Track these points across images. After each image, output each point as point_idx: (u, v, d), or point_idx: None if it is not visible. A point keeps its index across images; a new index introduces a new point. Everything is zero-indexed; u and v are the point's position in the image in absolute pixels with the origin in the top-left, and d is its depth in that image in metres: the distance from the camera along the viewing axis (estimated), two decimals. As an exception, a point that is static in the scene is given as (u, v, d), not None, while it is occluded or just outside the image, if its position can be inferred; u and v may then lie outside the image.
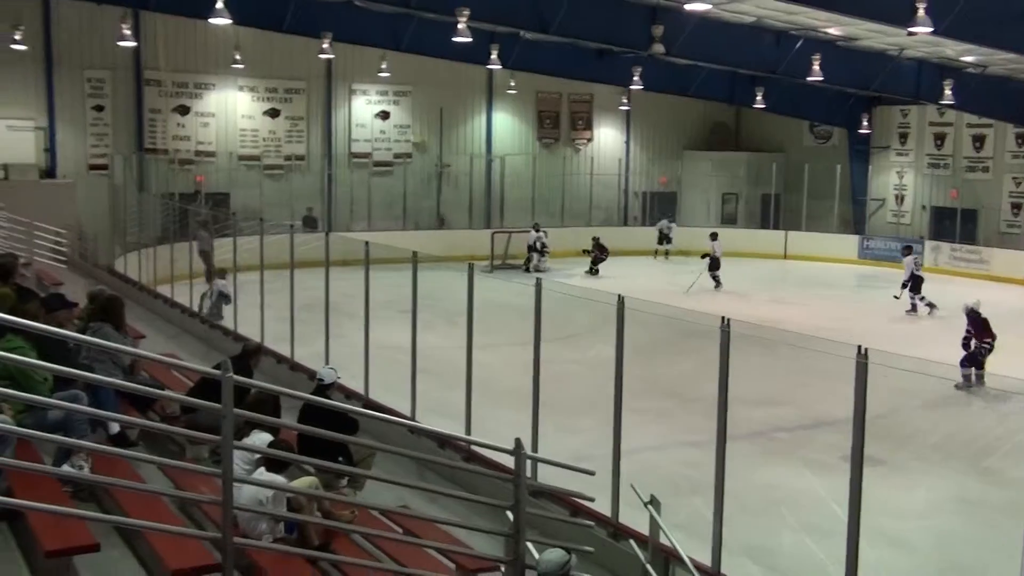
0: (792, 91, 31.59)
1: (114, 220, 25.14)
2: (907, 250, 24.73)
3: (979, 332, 16.20)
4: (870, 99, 33.91)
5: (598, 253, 29.78)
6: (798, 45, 26.84)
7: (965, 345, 16.25)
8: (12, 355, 6.45)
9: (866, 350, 7.18)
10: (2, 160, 26.23)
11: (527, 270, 29.05)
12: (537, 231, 30.63)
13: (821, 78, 25.92)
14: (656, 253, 33.53)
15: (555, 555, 6.33)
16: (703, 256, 27.86)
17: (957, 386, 15.80)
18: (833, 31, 26.25)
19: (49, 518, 5.83)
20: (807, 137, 38.27)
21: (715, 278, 27.10)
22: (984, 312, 16.60)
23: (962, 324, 16.71)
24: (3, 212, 19.59)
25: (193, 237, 20.59)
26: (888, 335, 18.46)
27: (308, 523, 7.06)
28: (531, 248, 30.27)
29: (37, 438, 6.42)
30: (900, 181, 35.49)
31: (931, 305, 23.22)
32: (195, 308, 18.65)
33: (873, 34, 25.65)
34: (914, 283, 23.41)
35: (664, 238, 33.82)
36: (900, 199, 35.51)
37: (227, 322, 17.12)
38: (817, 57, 25.51)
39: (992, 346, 16.07)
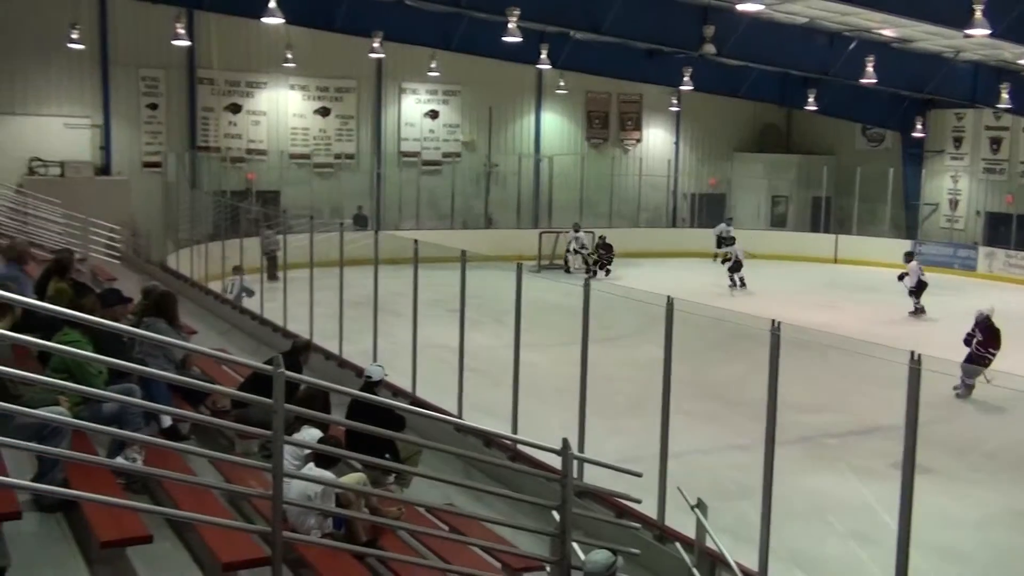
0: (845, 93, 31.27)
1: (167, 217, 25.50)
2: (909, 256, 24.48)
3: (987, 340, 15.84)
4: (925, 102, 33.42)
5: (604, 252, 29.43)
6: (852, 46, 26.57)
7: (967, 342, 15.95)
8: (70, 348, 6.58)
9: (919, 356, 7.09)
10: (59, 157, 26.70)
11: (567, 271, 29.00)
12: (576, 231, 30.44)
13: (875, 80, 25.62)
14: (716, 256, 33.02)
15: (601, 556, 6.33)
16: (723, 261, 27.77)
17: (958, 394, 15.45)
18: (888, 32, 25.95)
19: (104, 509, 5.92)
20: (859, 140, 37.83)
21: (738, 279, 27.04)
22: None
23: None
24: (60, 208, 19.92)
25: (242, 234, 20.84)
26: (938, 341, 18.17)
27: (356, 519, 7.11)
28: (568, 249, 30.15)
29: (92, 430, 6.52)
30: (955, 185, 34.98)
31: (921, 310, 23.46)
32: (244, 305, 18.95)
33: (929, 36, 25.31)
34: (917, 287, 23.46)
35: (723, 241, 33.48)
36: (954, 204, 34.98)
37: (277, 318, 17.28)
38: (871, 59, 25.23)
39: (994, 357, 15.69)
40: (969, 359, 15.72)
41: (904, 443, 7.16)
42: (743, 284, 26.98)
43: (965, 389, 15.44)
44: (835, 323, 20.05)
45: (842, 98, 32.21)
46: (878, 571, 8.05)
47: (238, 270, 20.30)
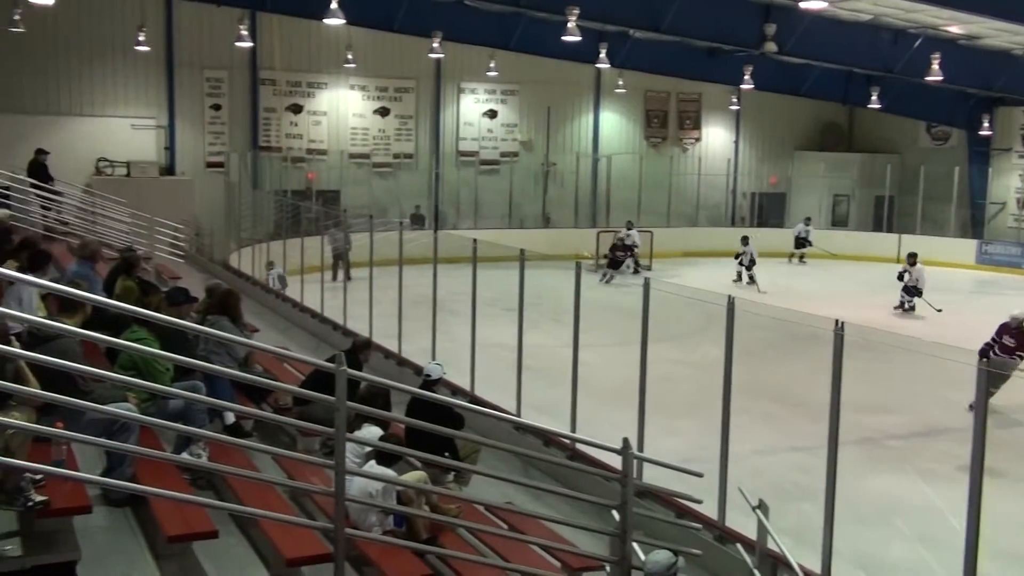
0: (909, 91, 30.75)
1: (229, 216, 25.87)
2: (913, 258, 23.52)
3: (1020, 344, 15.35)
4: (992, 100, 32.78)
5: (621, 254, 28.58)
6: (917, 44, 26.15)
7: (984, 353, 15.43)
8: (137, 345, 6.71)
9: (986, 359, 6.97)
10: (125, 157, 27.19)
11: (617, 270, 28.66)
12: (629, 229, 29.73)
13: (940, 78, 25.11)
14: (792, 257, 32.34)
15: (662, 556, 6.32)
16: (736, 256, 27.39)
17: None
18: (954, 29, 25.51)
19: (170, 504, 6.03)
20: (923, 138, 37.21)
21: (747, 276, 26.82)
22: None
23: None
24: (126, 208, 20.29)
25: (303, 234, 21.07)
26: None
27: (416, 516, 7.15)
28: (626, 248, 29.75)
29: (159, 426, 6.65)
30: (1023, 184, 34.26)
31: (908, 307, 23.26)
32: (305, 303, 19.14)
33: (997, 32, 24.84)
34: (914, 289, 23.34)
35: (803, 242, 32.58)
36: (1022, 203, 34.27)
37: (337, 316, 17.45)
38: (937, 56, 24.75)
39: (1021, 359, 15.19)
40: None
41: (972, 445, 7.03)
42: (752, 280, 26.64)
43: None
44: (898, 324, 19.80)
45: (906, 96, 31.69)
46: (944, 574, 7.91)
47: (272, 265, 21.43)
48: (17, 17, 24.07)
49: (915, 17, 24.61)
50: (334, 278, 21.30)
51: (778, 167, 38.04)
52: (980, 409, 7.00)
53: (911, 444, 13.38)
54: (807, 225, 33.02)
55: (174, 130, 28.93)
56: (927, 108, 33.76)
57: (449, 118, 33.27)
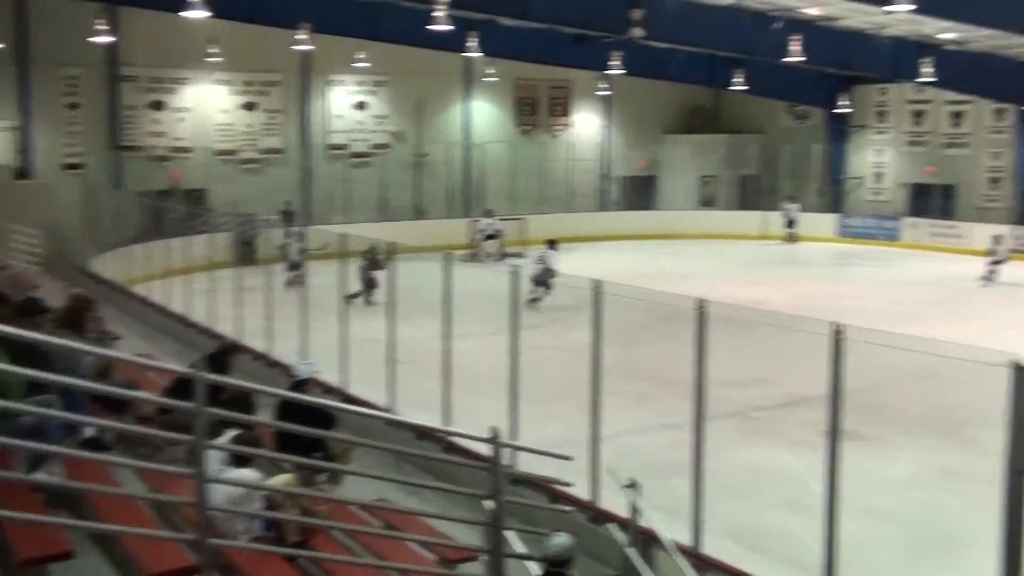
0: (771, 72, 31.57)
1: (88, 220, 24.96)
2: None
3: None
4: (849, 78, 33.94)
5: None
6: (777, 26, 26.81)
7: None
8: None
9: (839, 326, 7.22)
10: (-25, 162, 26.02)
11: (477, 259, 28.39)
12: (488, 217, 29.90)
13: (800, 59, 25.89)
14: (788, 237, 33.51)
15: (563, 539, 6.42)
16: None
17: None
18: (811, 11, 26.23)
19: (24, 526, 5.78)
20: (785, 118, 38.31)
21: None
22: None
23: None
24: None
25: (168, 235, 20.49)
26: (871, 312, 18.47)
27: (285, 520, 7.02)
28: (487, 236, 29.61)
29: (10, 445, 6.35)
30: (878, 159, 35.61)
31: None
32: (170, 308, 18.55)
33: (852, 13, 25.64)
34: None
35: (790, 222, 33.61)
36: (879, 177, 35.62)
37: (202, 318, 17.02)
38: (796, 38, 25.45)
39: None
40: None
41: (828, 411, 7.28)
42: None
43: None
44: (765, 299, 20.33)
45: (768, 77, 32.53)
46: (810, 538, 8.15)
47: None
48: None
49: (774, 0, 25.23)
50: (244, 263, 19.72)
51: (648, 151, 38.61)
52: (835, 377, 7.25)
53: (777, 415, 13.78)
54: (792, 203, 33.72)
55: (29, 131, 27.76)
56: (788, 88, 34.73)
57: (318, 111, 32.79)
